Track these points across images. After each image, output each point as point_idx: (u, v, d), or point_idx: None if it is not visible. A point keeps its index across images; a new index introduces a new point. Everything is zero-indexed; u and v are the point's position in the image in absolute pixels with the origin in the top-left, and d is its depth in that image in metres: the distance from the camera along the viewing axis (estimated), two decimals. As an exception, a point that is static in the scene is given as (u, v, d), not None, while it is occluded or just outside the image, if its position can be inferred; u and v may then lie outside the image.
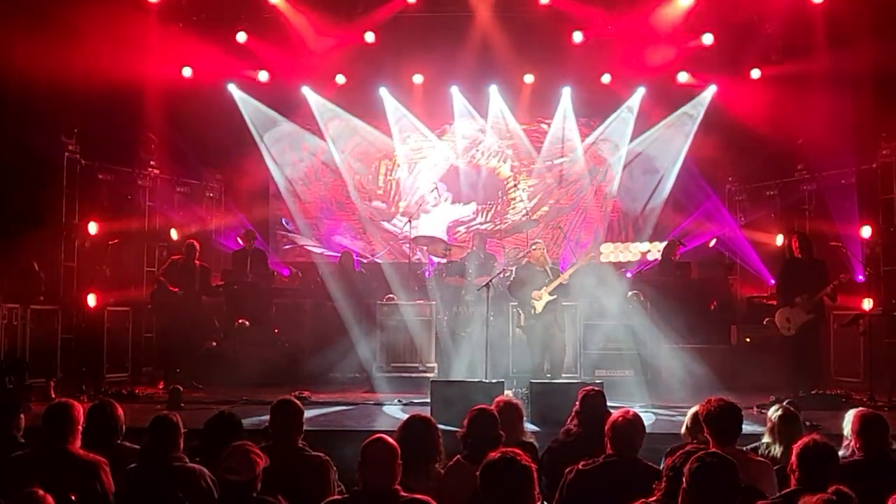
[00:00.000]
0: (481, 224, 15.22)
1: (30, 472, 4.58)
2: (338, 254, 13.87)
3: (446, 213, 15.43)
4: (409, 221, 13.44)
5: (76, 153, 12.73)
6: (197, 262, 11.63)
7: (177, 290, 11.36)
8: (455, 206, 15.46)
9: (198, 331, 11.76)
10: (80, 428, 4.93)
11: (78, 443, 4.88)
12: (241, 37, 13.98)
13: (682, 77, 14.57)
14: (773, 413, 5.35)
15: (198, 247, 11.83)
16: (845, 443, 5.19)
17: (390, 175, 15.63)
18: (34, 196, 12.17)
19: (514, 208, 15.23)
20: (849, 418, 5.25)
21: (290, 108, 15.19)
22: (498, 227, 14.93)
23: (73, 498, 4.31)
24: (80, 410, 5.01)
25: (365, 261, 14.51)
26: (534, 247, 10.43)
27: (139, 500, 4.52)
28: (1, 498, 4.00)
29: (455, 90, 15.07)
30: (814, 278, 10.12)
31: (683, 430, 5.46)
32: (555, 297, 10.09)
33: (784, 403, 5.70)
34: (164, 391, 10.40)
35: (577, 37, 14.06)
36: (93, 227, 12.55)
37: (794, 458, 4.13)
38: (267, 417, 5.24)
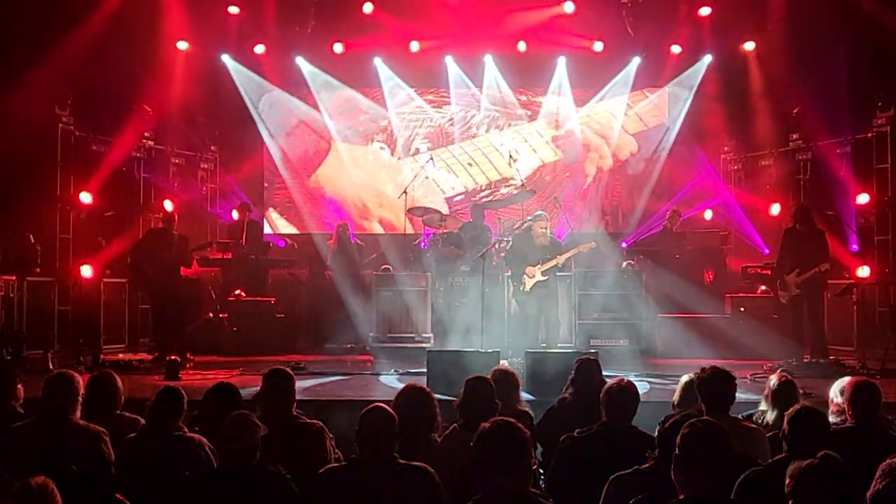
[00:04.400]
0: (477, 194, 15.24)
1: (31, 443, 4.63)
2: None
3: (442, 183, 15.42)
4: (405, 192, 13.43)
5: (70, 124, 12.68)
6: (175, 232, 11.32)
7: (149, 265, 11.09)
8: (450, 177, 15.46)
9: (182, 302, 11.39)
10: (80, 399, 4.97)
11: (78, 413, 4.92)
12: (233, 9, 13.89)
13: (676, 48, 14.55)
14: (773, 380, 5.41)
15: (176, 217, 11.53)
16: (832, 409, 5.27)
17: (386, 145, 15.60)
18: (29, 168, 12.14)
19: (510, 179, 15.22)
20: (836, 386, 5.32)
21: (285, 78, 15.13)
22: (493, 198, 14.90)
23: (73, 468, 4.35)
24: (80, 381, 5.04)
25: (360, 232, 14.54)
26: (538, 220, 10.38)
27: (140, 470, 4.57)
28: (1, 467, 4.04)
29: (449, 59, 15.01)
30: (811, 250, 10.16)
31: (675, 399, 5.50)
32: (546, 278, 10.11)
33: (778, 371, 5.75)
34: (157, 362, 10.40)
35: (569, 7, 14.01)
36: (86, 198, 12.53)
37: (784, 425, 4.19)
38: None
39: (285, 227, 15.55)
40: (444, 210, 14.52)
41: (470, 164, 15.40)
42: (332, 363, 10.69)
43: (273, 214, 15.62)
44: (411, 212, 13.13)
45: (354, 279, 12.38)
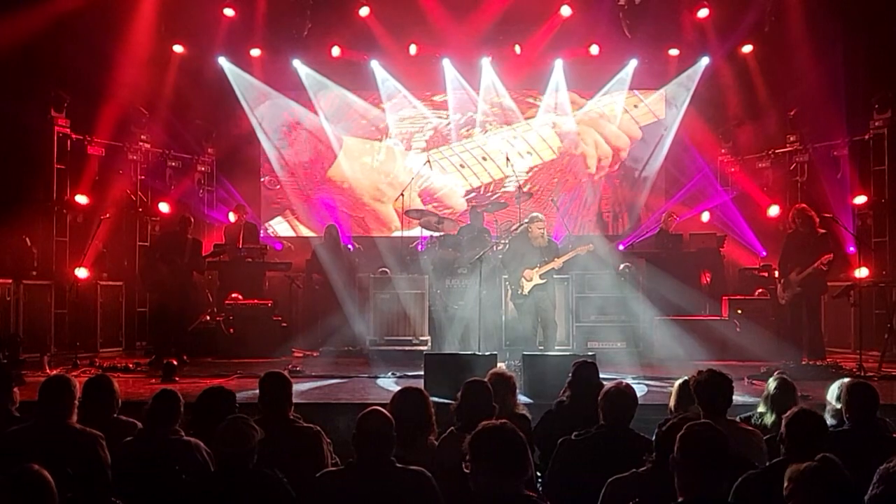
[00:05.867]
0: (475, 194, 15.25)
1: (27, 447, 4.61)
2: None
3: (439, 185, 15.42)
4: (402, 194, 13.43)
5: (66, 127, 12.67)
6: (189, 235, 11.40)
7: (163, 265, 11.07)
8: (447, 179, 15.45)
9: (188, 305, 11.50)
10: (76, 402, 4.95)
11: (75, 417, 4.90)
12: (229, 11, 13.86)
13: (674, 51, 14.58)
14: (771, 383, 5.41)
15: (192, 220, 11.68)
16: (829, 409, 5.27)
17: (383, 147, 15.60)
18: (25, 171, 12.13)
19: (507, 178, 15.22)
20: (833, 388, 5.32)
21: (282, 81, 15.13)
22: (490, 200, 14.89)
23: (70, 472, 4.33)
24: (76, 385, 5.03)
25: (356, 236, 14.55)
26: (535, 222, 10.35)
27: (136, 473, 4.56)
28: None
29: (447, 62, 15.02)
30: (811, 251, 10.15)
31: (672, 403, 5.50)
32: (545, 281, 10.10)
33: (776, 374, 5.75)
34: (152, 365, 10.38)
35: (565, 11, 14.02)
36: (82, 200, 12.53)
37: (783, 427, 4.18)
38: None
39: (282, 230, 15.53)
40: (462, 205, 14.61)
41: (462, 166, 15.41)
42: (329, 366, 10.67)
43: (270, 216, 15.60)
44: (408, 214, 13.13)
45: (348, 281, 12.35)
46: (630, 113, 15.30)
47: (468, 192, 15.42)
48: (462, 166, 15.44)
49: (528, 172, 15.31)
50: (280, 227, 15.44)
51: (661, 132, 15.19)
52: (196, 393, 5.42)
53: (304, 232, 15.38)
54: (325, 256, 12.61)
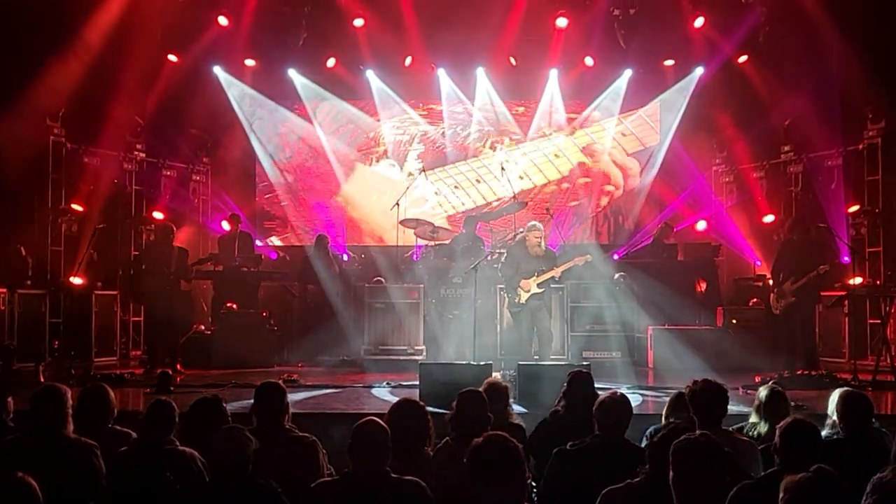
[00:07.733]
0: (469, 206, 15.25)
1: (22, 457, 4.59)
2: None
3: (434, 195, 15.41)
4: (396, 204, 13.42)
5: (61, 136, 12.67)
6: (174, 244, 11.33)
7: (150, 276, 11.02)
8: (449, 194, 15.45)
9: (176, 314, 11.32)
10: (69, 412, 4.93)
11: (70, 427, 4.88)
12: (223, 21, 13.85)
13: (669, 61, 14.62)
14: (762, 392, 5.41)
15: (174, 229, 11.60)
16: (829, 422, 5.26)
17: (378, 157, 15.60)
18: (20, 180, 12.11)
19: (500, 191, 15.23)
20: (833, 398, 5.31)
21: (277, 90, 15.14)
22: (485, 209, 14.90)
23: (65, 482, 4.32)
24: (68, 394, 5.00)
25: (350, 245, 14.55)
26: (533, 231, 10.34)
27: (131, 484, 4.55)
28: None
29: (442, 72, 15.04)
30: (806, 261, 10.17)
31: (665, 413, 5.49)
32: (542, 290, 10.10)
33: (770, 383, 5.75)
34: (148, 375, 10.35)
35: (561, 22, 14.04)
36: (77, 210, 12.54)
37: (777, 438, 4.18)
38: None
39: (277, 240, 15.53)
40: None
41: (456, 188, 15.38)
42: (324, 376, 10.65)
43: (265, 225, 15.60)
44: (404, 223, 13.13)
45: (344, 291, 12.35)
46: (632, 129, 15.29)
47: (452, 217, 15.36)
48: (456, 187, 15.41)
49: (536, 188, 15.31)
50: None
51: (655, 143, 15.22)
52: (189, 403, 5.41)
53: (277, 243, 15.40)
54: (318, 266, 12.61)
